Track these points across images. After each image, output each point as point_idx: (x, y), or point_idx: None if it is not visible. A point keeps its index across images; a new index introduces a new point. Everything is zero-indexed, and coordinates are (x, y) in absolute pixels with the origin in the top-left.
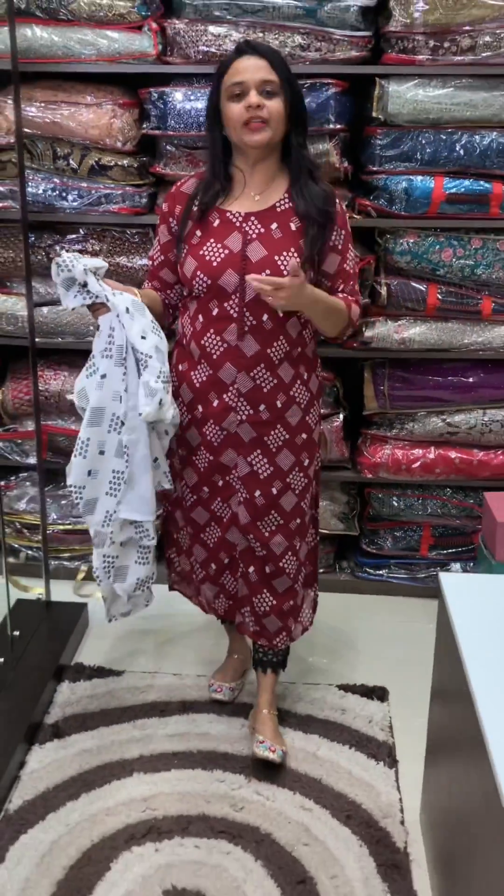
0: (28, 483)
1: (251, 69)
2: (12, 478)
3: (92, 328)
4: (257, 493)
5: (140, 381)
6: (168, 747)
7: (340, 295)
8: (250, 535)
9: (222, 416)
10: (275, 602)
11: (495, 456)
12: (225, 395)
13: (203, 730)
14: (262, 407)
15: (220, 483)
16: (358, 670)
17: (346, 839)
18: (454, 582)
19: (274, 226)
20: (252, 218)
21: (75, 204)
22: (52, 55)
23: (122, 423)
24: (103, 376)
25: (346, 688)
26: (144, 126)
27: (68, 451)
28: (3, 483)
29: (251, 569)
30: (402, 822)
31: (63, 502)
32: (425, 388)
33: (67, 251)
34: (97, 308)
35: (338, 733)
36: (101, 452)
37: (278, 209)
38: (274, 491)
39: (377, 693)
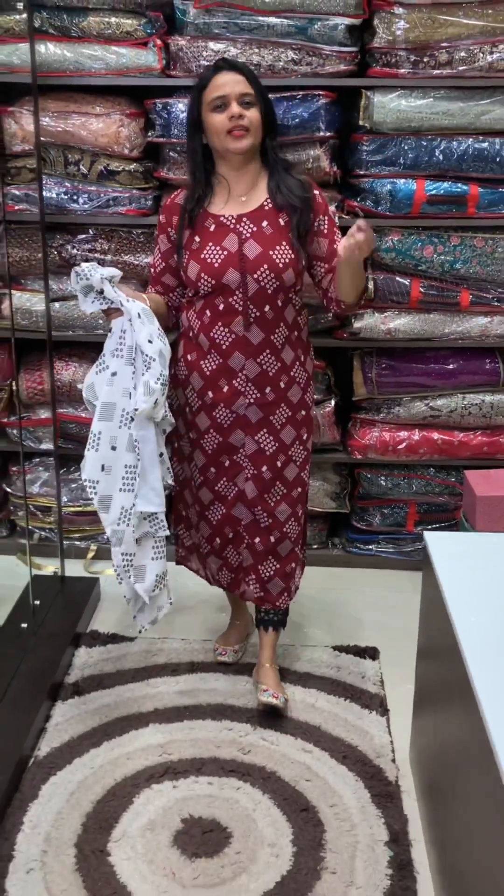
0: (41, 468)
1: (230, 83)
2: (26, 463)
3: (103, 330)
4: (264, 468)
5: (141, 379)
6: (179, 702)
7: None
8: (257, 508)
9: (232, 400)
10: (279, 566)
11: (474, 437)
12: (234, 381)
13: (211, 686)
14: (267, 389)
15: (227, 463)
16: (350, 634)
17: (344, 775)
18: (438, 539)
19: (265, 223)
20: (244, 219)
21: (86, 206)
22: (65, 69)
23: (132, 419)
24: (114, 374)
25: (340, 648)
26: (150, 134)
27: (78, 436)
28: (15, 468)
29: (257, 539)
30: (394, 761)
31: (73, 486)
32: (410, 375)
33: (86, 260)
34: (111, 312)
35: (334, 687)
36: (114, 448)
37: (266, 207)
38: (279, 464)
39: (369, 653)
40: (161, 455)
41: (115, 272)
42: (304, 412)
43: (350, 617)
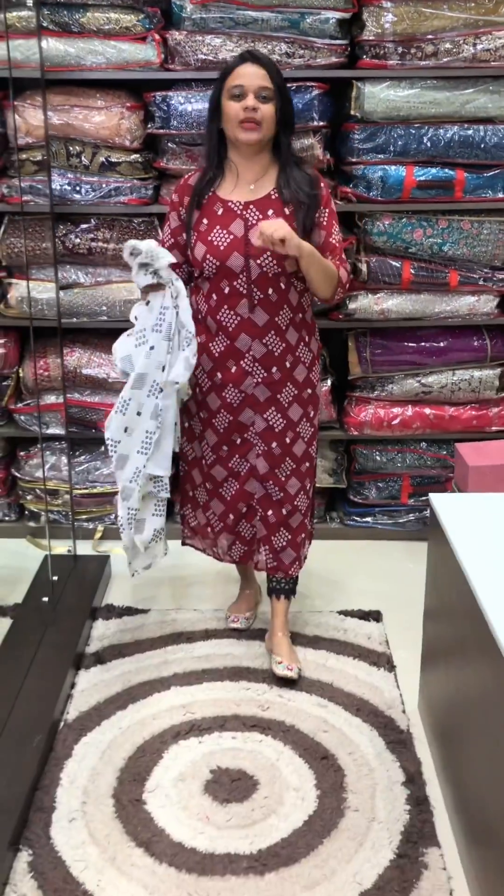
0: (48, 452)
1: (251, 75)
2: (32, 448)
3: (107, 316)
4: (273, 445)
5: (182, 355)
6: (198, 666)
7: (329, 259)
8: (269, 482)
9: (240, 380)
10: (290, 537)
11: (464, 411)
12: (242, 362)
13: (226, 651)
14: (274, 369)
15: (239, 441)
16: (354, 600)
17: (359, 726)
18: (444, 501)
19: (270, 212)
20: (251, 206)
21: (88, 197)
22: (66, 64)
23: (160, 390)
24: (152, 348)
25: (345, 613)
26: (149, 126)
27: (82, 420)
28: (23, 453)
29: (269, 512)
30: (404, 711)
31: (80, 469)
32: (402, 354)
33: (89, 250)
34: (154, 288)
35: (342, 648)
36: (139, 413)
37: (272, 197)
38: (287, 440)
39: (373, 615)
40: (175, 424)
41: (171, 257)
42: (310, 391)
43: (351, 585)
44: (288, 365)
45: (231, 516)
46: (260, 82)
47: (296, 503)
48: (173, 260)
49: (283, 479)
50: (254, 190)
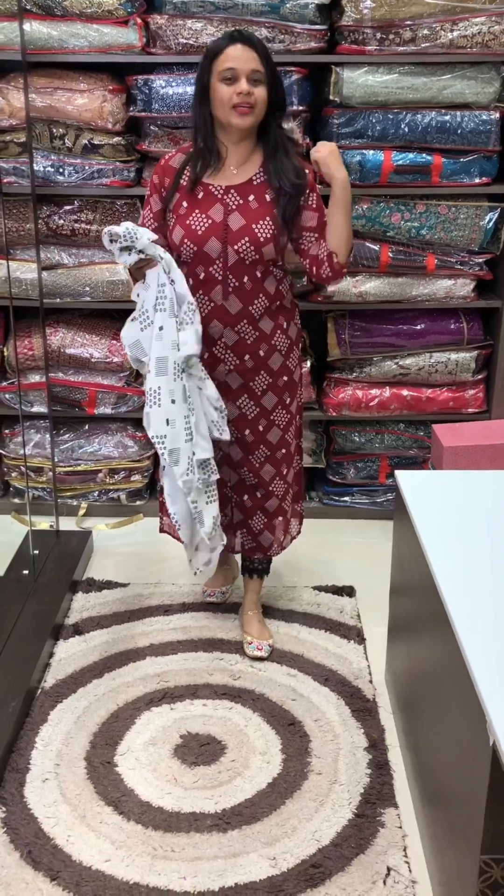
0: (32, 430)
1: (243, 59)
2: (17, 426)
3: (90, 297)
4: (247, 432)
5: (191, 327)
6: (173, 637)
7: None
8: (243, 469)
9: (212, 366)
10: (266, 520)
11: (441, 393)
12: (214, 349)
13: (202, 623)
14: (246, 357)
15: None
16: (329, 576)
17: (326, 695)
18: (409, 478)
19: (251, 197)
20: (232, 190)
21: (71, 179)
22: (49, 47)
23: (183, 370)
24: (161, 328)
25: (319, 588)
26: (131, 109)
27: (66, 399)
28: (8, 431)
29: (245, 496)
30: (371, 682)
31: (64, 447)
32: (381, 336)
33: (72, 231)
34: (144, 264)
35: (315, 621)
36: (173, 401)
37: (255, 182)
38: (260, 428)
39: (346, 591)
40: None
41: (151, 234)
42: (285, 378)
43: (328, 562)
44: (262, 354)
45: None
46: (252, 65)
47: (270, 488)
48: (154, 236)
49: (257, 465)
50: (236, 174)
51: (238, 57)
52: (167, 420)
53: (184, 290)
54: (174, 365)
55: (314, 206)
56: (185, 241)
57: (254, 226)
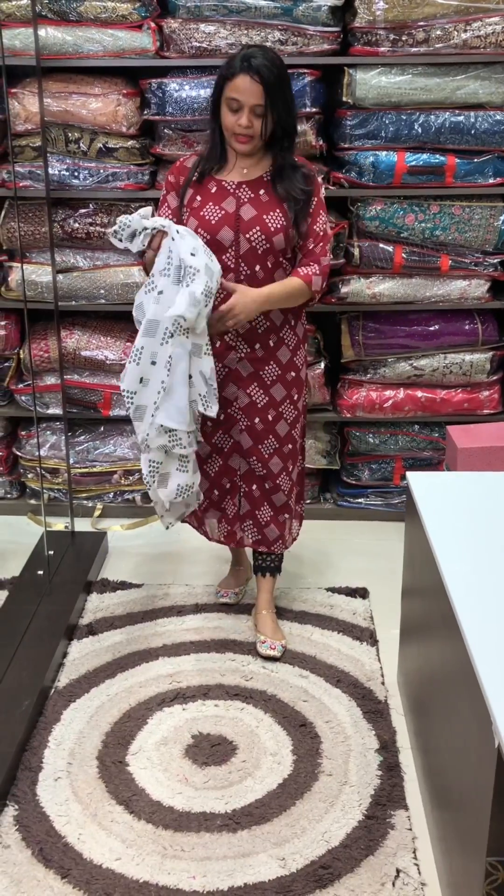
0: (48, 432)
1: (248, 92)
2: (33, 427)
3: (105, 299)
4: (256, 420)
5: (186, 290)
6: (186, 638)
7: (301, 270)
8: (252, 458)
9: (224, 354)
10: (273, 514)
11: (455, 394)
12: (226, 336)
13: (215, 624)
14: (257, 346)
15: (222, 416)
16: (342, 577)
17: (338, 696)
18: (421, 479)
19: (262, 192)
20: (244, 185)
21: (86, 182)
22: (64, 52)
23: (172, 335)
24: (160, 293)
25: (333, 590)
26: (145, 112)
27: (82, 401)
28: (24, 433)
29: (253, 486)
30: (383, 683)
31: (79, 448)
32: (395, 337)
33: (87, 234)
34: (154, 238)
35: (327, 623)
36: (153, 363)
37: (265, 179)
38: (269, 418)
39: (359, 592)
40: (190, 377)
41: (144, 210)
42: (293, 374)
43: (342, 563)
44: (271, 344)
45: (216, 492)
46: (255, 101)
47: (278, 482)
48: (146, 211)
49: (266, 455)
50: (247, 173)
51: (244, 90)
52: (141, 378)
53: (185, 253)
54: (164, 329)
55: (311, 211)
56: (199, 230)
57: (265, 216)
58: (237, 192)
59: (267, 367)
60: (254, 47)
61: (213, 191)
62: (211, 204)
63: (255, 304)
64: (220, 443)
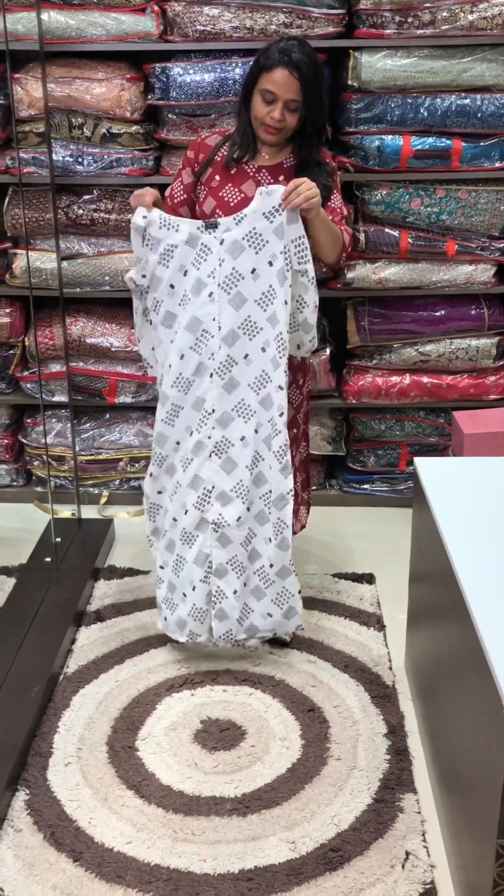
0: (54, 419)
1: (285, 87)
2: (38, 415)
3: (110, 286)
4: None
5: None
6: None
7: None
8: None
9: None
10: None
11: (461, 380)
12: None
13: None
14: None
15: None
16: (349, 563)
17: (346, 681)
18: (428, 465)
19: (281, 178)
20: (263, 170)
21: (91, 168)
22: (67, 36)
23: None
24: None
25: (339, 575)
26: (149, 97)
27: (87, 389)
28: (29, 420)
29: None
30: (391, 668)
31: (85, 436)
32: (400, 323)
33: (91, 221)
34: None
35: (335, 609)
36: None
37: (285, 165)
38: None
39: (366, 578)
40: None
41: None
42: (299, 358)
43: (348, 549)
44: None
45: None
46: (291, 96)
47: None
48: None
49: None
50: (268, 158)
51: (281, 84)
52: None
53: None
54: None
55: (331, 206)
56: (217, 211)
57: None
58: (257, 175)
59: None
60: (292, 40)
61: (233, 172)
62: (230, 185)
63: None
64: None
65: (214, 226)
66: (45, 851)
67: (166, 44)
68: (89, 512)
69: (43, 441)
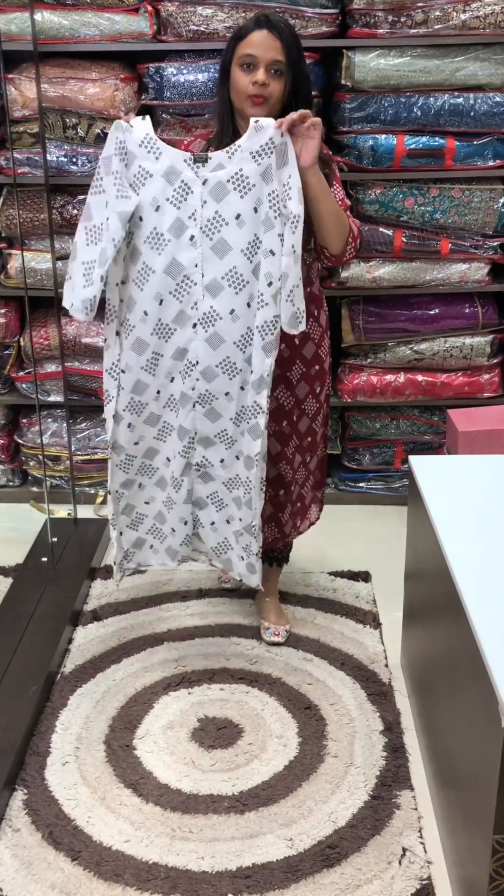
0: (50, 419)
1: (265, 46)
2: (34, 415)
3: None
4: (283, 423)
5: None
6: (190, 623)
7: None
8: (281, 463)
9: None
10: (292, 509)
11: (456, 378)
12: None
13: (218, 609)
14: (283, 346)
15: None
16: (345, 561)
17: (342, 679)
18: (423, 463)
19: None
20: None
21: (85, 168)
22: (61, 36)
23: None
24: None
25: (335, 573)
26: (143, 97)
27: (83, 388)
28: (25, 420)
29: (281, 491)
30: (387, 666)
31: (80, 435)
32: (395, 321)
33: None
34: None
35: (330, 606)
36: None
37: None
38: (294, 419)
39: (362, 576)
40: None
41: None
42: (317, 367)
43: (344, 547)
44: (296, 342)
45: None
46: (273, 55)
47: (295, 476)
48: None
49: (290, 455)
50: None
51: (260, 44)
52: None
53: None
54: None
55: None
56: None
57: None
58: None
59: (293, 367)
60: (265, 12)
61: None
62: None
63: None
64: None
65: (204, 160)
66: (44, 851)
67: (160, 44)
68: (85, 511)
69: (39, 441)
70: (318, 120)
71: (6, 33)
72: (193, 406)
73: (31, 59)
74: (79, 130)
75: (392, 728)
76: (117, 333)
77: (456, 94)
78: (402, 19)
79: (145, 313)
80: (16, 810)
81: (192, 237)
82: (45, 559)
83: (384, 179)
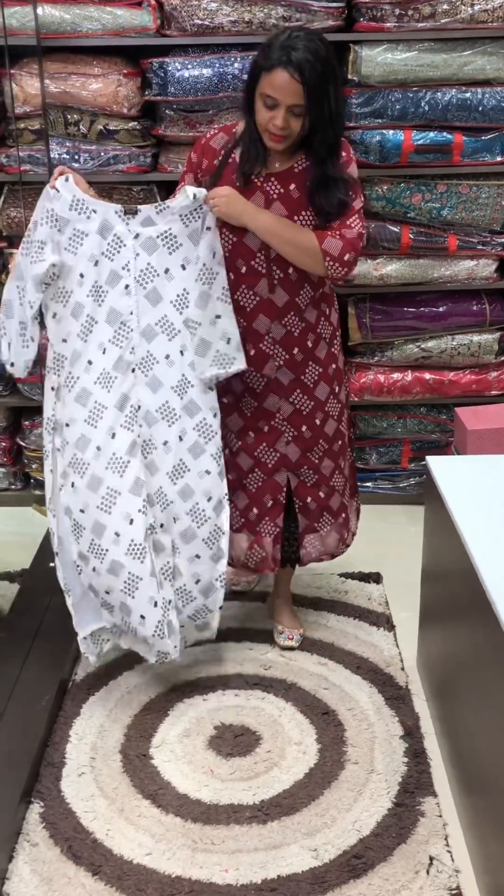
0: None
1: (286, 91)
2: (36, 417)
3: None
4: (304, 428)
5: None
6: None
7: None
8: (303, 468)
9: (261, 363)
10: (333, 520)
11: (463, 376)
12: (261, 344)
13: (229, 613)
14: (295, 350)
15: (266, 428)
16: (354, 562)
17: (358, 683)
18: (441, 463)
19: (292, 186)
20: (272, 178)
21: (87, 165)
22: (63, 31)
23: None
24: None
25: (346, 575)
26: (147, 93)
27: None
28: (28, 423)
29: (308, 499)
30: (403, 669)
31: None
32: (402, 319)
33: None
34: None
35: (343, 609)
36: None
37: (295, 170)
38: (317, 422)
39: (373, 577)
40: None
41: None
42: (333, 366)
43: (353, 548)
44: (309, 344)
45: (255, 510)
46: (293, 100)
47: (331, 484)
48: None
49: (316, 461)
50: (279, 166)
51: (281, 88)
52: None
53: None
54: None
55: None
56: (223, 230)
57: (295, 217)
58: (265, 185)
59: (307, 370)
60: (296, 33)
61: (240, 184)
62: None
63: (244, 207)
64: (264, 457)
65: (134, 212)
66: (63, 865)
67: (164, 38)
68: None
69: (39, 444)
70: (217, 202)
71: (7, 27)
72: (144, 455)
73: (31, 55)
74: (81, 127)
75: (412, 733)
76: (53, 388)
77: (464, 88)
78: (410, 13)
79: (89, 363)
80: (33, 824)
81: (126, 286)
82: (52, 564)
83: (391, 175)
